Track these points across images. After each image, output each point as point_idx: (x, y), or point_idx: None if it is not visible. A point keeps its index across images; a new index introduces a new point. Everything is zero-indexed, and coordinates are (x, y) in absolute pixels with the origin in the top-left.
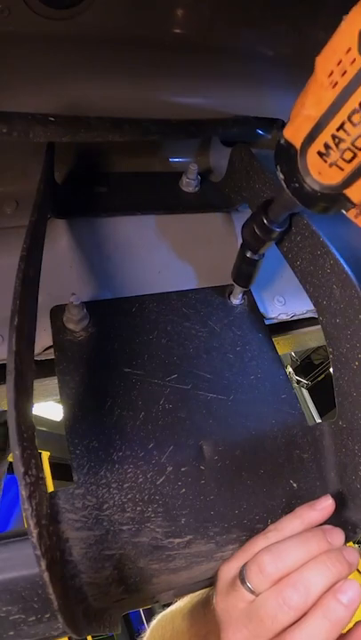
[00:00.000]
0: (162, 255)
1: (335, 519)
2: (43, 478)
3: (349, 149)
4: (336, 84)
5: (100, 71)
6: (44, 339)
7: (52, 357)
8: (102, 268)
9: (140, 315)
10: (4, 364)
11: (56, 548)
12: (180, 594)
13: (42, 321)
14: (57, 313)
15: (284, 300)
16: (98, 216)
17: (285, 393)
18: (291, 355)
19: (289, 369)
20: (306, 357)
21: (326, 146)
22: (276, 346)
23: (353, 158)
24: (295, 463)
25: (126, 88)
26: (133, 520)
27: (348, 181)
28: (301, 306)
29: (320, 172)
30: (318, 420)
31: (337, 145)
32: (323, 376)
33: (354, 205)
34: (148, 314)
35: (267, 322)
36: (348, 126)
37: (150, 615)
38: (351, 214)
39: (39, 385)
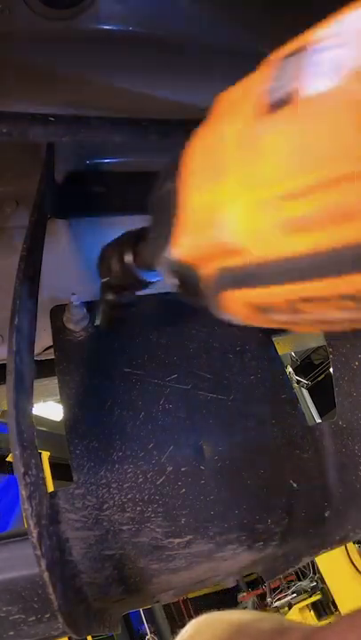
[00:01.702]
0: None
1: (340, 525)
2: (43, 478)
3: (317, 321)
4: (306, 230)
5: (101, 71)
6: (44, 339)
7: (52, 357)
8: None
9: (141, 315)
10: (4, 364)
11: (56, 547)
12: (181, 594)
13: (42, 321)
14: (57, 313)
15: None
16: (98, 216)
17: (285, 393)
18: (291, 355)
19: (289, 369)
20: (306, 357)
21: (269, 307)
22: (276, 346)
23: (321, 324)
24: (295, 463)
25: (126, 88)
26: (133, 520)
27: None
28: None
29: (242, 316)
30: (318, 420)
31: (295, 312)
32: (323, 376)
33: None
34: (148, 314)
35: None
36: (323, 306)
37: (150, 615)
38: None
39: (39, 385)
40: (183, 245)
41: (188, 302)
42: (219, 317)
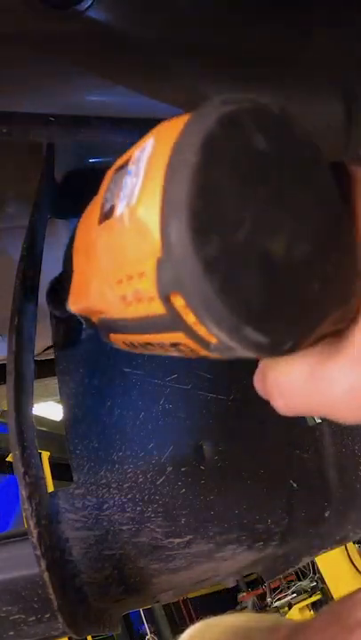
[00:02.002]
0: None
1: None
2: (43, 478)
3: (171, 351)
4: (130, 304)
5: (101, 71)
6: (44, 339)
7: (52, 357)
8: None
9: None
10: (4, 364)
11: (56, 547)
12: (181, 594)
13: (42, 321)
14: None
15: None
16: None
17: None
18: None
19: None
20: None
21: (133, 345)
22: None
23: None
24: (295, 463)
25: (127, 88)
26: (133, 520)
27: None
28: None
29: (129, 347)
30: (318, 420)
31: (148, 349)
32: None
33: None
34: None
35: None
36: (158, 348)
37: (150, 615)
38: None
39: (39, 385)
40: (73, 304)
41: None
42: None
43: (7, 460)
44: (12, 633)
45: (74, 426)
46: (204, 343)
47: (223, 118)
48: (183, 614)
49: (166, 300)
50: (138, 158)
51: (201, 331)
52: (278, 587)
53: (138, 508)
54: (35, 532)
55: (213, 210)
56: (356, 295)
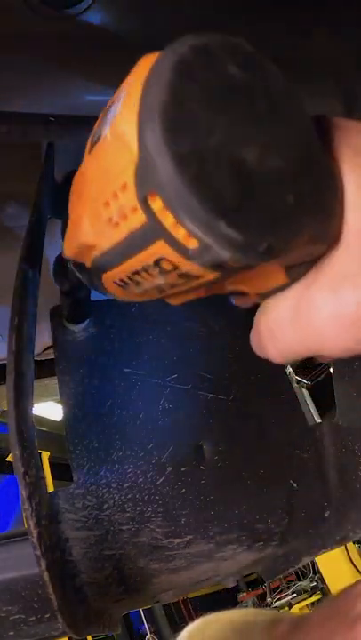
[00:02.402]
0: None
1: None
2: (43, 478)
3: (155, 288)
4: (117, 224)
5: (101, 71)
6: (44, 339)
7: (52, 357)
8: None
9: (140, 315)
10: (4, 364)
11: (56, 547)
12: (181, 594)
13: (42, 321)
14: (57, 313)
15: None
16: None
17: (285, 393)
18: None
19: (289, 369)
20: (306, 357)
21: (123, 282)
22: None
23: (161, 293)
24: (295, 463)
25: None
26: (133, 520)
27: (161, 299)
28: None
29: (122, 294)
30: (318, 420)
31: (137, 284)
32: (323, 376)
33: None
34: (148, 313)
35: None
36: (144, 275)
37: (150, 615)
38: None
39: (39, 385)
40: (67, 248)
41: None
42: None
43: (7, 459)
44: (12, 633)
45: (74, 426)
46: (183, 250)
47: (196, 46)
48: (183, 614)
49: (145, 203)
50: (120, 91)
51: (179, 234)
52: (278, 587)
53: (138, 508)
54: (35, 532)
55: (185, 116)
56: (335, 217)
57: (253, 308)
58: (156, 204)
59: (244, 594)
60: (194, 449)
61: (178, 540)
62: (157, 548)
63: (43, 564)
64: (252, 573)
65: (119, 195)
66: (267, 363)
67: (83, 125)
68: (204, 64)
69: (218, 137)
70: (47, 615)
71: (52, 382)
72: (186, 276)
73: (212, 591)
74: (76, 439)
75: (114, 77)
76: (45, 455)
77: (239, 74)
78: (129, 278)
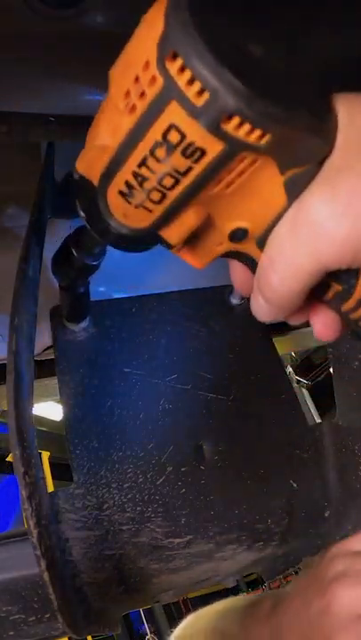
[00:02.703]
0: (162, 255)
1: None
2: (43, 478)
3: (156, 189)
4: (134, 107)
5: (101, 71)
6: (44, 339)
7: (52, 357)
8: (102, 268)
9: (140, 315)
10: (4, 364)
11: (56, 547)
12: (181, 594)
13: (42, 321)
14: (57, 313)
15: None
16: None
17: (285, 393)
18: (291, 355)
19: (289, 369)
20: (306, 357)
21: (128, 185)
22: (276, 346)
23: (162, 199)
24: (295, 463)
25: None
26: (133, 520)
27: (160, 223)
28: None
29: (125, 215)
30: (318, 420)
31: (140, 184)
32: (323, 376)
33: (172, 247)
34: (148, 314)
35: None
36: (151, 162)
37: (150, 615)
38: (172, 249)
39: (39, 385)
40: (79, 162)
41: (96, 238)
42: (115, 227)
43: (7, 459)
44: (12, 633)
45: (74, 426)
46: (192, 108)
47: None
48: (183, 614)
49: (163, 68)
50: None
51: (191, 91)
52: (278, 587)
53: (138, 508)
54: (35, 532)
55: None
56: (328, 132)
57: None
58: (174, 66)
59: (245, 594)
60: (194, 449)
61: (178, 540)
62: (157, 548)
63: (43, 563)
64: (252, 573)
65: (140, 75)
66: (267, 363)
67: (83, 125)
68: None
69: (235, 29)
70: (47, 615)
71: (52, 382)
72: (190, 154)
73: (212, 591)
74: (76, 439)
75: None
76: (45, 455)
77: None
78: (134, 176)
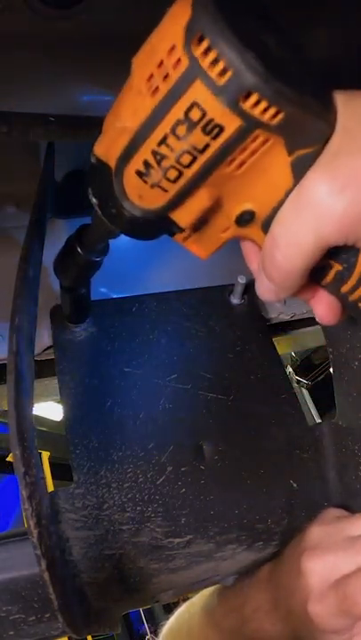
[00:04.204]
0: (162, 254)
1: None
2: (43, 478)
3: (174, 167)
4: (157, 89)
5: (102, 71)
6: (44, 339)
7: (52, 357)
8: (102, 268)
9: (140, 314)
10: (4, 364)
11: (56, 547)
12: (180, 593)
13: (42, 321)
14: (57, 313)
15: (284, 300)
16: None
17: (285, 393)
18: (291, 355)
19: (289, 369)
20: (306, 357)
21: (146, 164)
22: (276, 346)
23: (178, 177)
24: (295, 463)
25: None
26: (133, 520)
27: (174, 204)
28: (301, 306)
29: (140, 196)
30: (318, 420)
31: (159, 163)
32: (323, 376)
33: (182, 230)
34: (148, 313)
35: (267, 322)
36: (171, 140)
37: (150, 615)
38: (179, 238)
39: (39, 385)
40: (98, 145)
41: (101, 231)
42: (128, 210)
43: (7, 459)
44: (12, 632)
45: (74, 426)
46: (215, 87)
47: None
48: None
49: (189, 51)
50: None
51: (215, 71)
52: None
53: (138, 508)
54: (35, 532)
55: None
56: (332, 116)
57: (252, 306)
58: (200, 48)
59: None
60: (194, 449)
61: (178, 540)
62: (157, 548)
63: (43, 563)
64: None
65: (165, 59)
66: (267, 363)
67: (83, 125)
68: None
69: (252, 21)
70: (47, 615)
71: (52, 382)
72: (210, 131)
73: None
74: (76, 439)
75: (114, 78)
76: (45, 455)
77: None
78: (153, 155)
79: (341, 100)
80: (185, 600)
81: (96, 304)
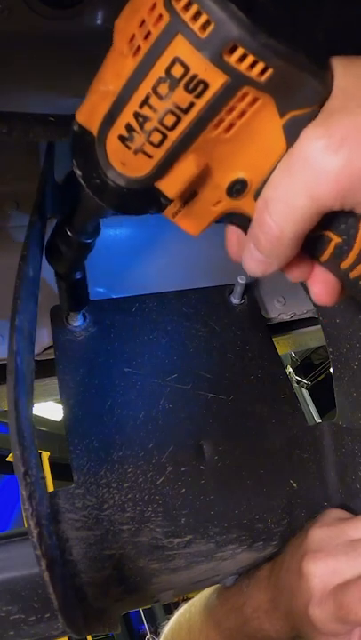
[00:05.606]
0: (162, 254)
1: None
2: (43, 478)
3: (157, 130)
4: (138, 49)
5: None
6: (44, 339)
7: (52, 357)
8: (102, 268)
9: (140, 314)
10: (4, 364)
11: (56, 547)
12: (180, 593)
13: (42, 321)
14: (57, 313)
15: (284, 299)
16: None
17: (285, 393)
18: (291, 355)
19: (289, 369)
20: (306, 357)
21: (129, 128)
22: (276, 346)
23: (163, 141)
24: (295, 463)
25: None
26: (133, 520)
27: (160, 171)
28: (301, 306)
29: (124, 163)
30: (318, 420)
31: (142, 126)
32: (323, 376)
33: (170, 202)
34: (148, 313)
35: (267, 322)
36: (153, 100)
37: (150, 615)
38: (169, 213)
39: (39, 385)
40: (80, 113)
41: (91, 202)
42: (112, 179)
43: (7, 459)
44: (11, 633)
45: (74, 426)
46: (197, 41)
47: None
48: None
49: (170, 4)
50: None
51: (197, 24)
52: None
53: (138, 508)
54: (35, 532)
55: None
56: (329, 77)
57: (252, 306)
58: (181, 3)
59: None
60: (194, 449)
61: (178, 540)
62: (157, 548)
63: (43, 563)
64: None
65: (146, 18)
66: (267, 363)
67: None
68: None
69: None
70: (47, 615)
71: (52, 382)
72: (193, 88)
73: None
74: (76, 439)
75: None
76: (45, 455)
77: None
78: (136, 117)
79: (339, 63)
80: (185, 600)
81: (96, 303)
